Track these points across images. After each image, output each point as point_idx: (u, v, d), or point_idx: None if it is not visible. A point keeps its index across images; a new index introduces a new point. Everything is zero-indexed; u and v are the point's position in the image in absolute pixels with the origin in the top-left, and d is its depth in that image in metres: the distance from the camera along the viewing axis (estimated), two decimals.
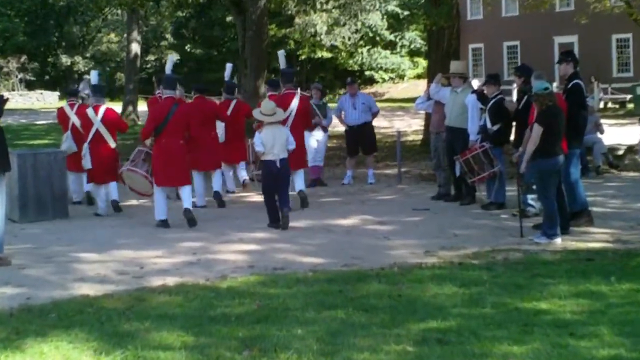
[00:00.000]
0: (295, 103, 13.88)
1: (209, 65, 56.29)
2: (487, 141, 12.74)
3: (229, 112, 14.93)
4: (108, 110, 13.73)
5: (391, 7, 54.68)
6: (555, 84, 16.31)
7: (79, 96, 15.34)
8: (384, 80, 58.18)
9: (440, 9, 20.00)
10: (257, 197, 14.94)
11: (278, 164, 11.84)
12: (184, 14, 59.78)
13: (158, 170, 12.24)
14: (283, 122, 12.86)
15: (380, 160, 20.14)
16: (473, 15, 46.89)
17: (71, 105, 14.90)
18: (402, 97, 51.35)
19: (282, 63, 14.92)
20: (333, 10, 51.93)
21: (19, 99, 57.72)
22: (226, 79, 15.92)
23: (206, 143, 13.93)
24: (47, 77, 68.13)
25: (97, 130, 13.53)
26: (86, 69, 63.54)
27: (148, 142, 12.63)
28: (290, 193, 12.36)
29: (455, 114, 13.51)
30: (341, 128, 18.76)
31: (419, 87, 50.35)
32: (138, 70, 44.18)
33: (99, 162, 13.55)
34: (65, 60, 65.07)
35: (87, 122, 13.69)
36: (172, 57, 15.78)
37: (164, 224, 12.18)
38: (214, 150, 14.34)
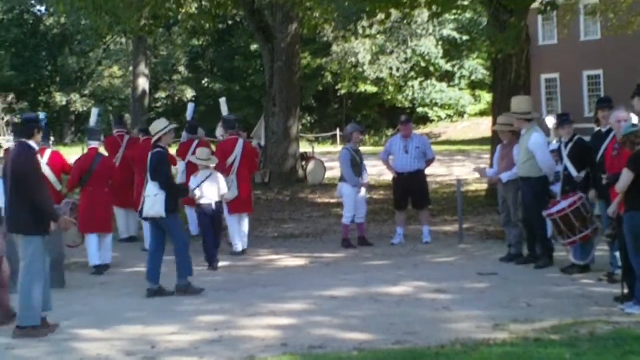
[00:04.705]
0: (239, 148, 16.06)
1: (230, 102, 55.93)
2: (578, 191, 12.74)
3: (190, 153, 17.11)
4: (54, 153, 15.95)
5: (447, 31, 55.00)
6: None
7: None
8: (439, 119, 58.23)
9: (507, 33, 19.98)
10: (290, 261, 15.07)
11: (213, 206, 14.82)
12: (200, 43, 60.56)
13: (83, 216, 14.57)
14: (229, 169, 15.78)
15: (437, 215, 20.15)
16: (546, 40, 46.89)
17: None
18: (462, 139, 51.31)
19: (223, 110, 18.06)
20: (378, 36, 52.43)
21: (5, 146, 57.56)
22: (188, 118, 18.76)
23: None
24: None
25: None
26: (84, 109, 64.02)
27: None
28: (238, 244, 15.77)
29: (521, 161, 13.60)
30: (389, 176, 18.80)
31: (482, 127, 50.31)
32: (147, 109, 44.54)
33: None
34: (60, 98, 64.53)
35: None
36: (96, 110, 18.50)
37: (98, 270, 14.40)
38: None
